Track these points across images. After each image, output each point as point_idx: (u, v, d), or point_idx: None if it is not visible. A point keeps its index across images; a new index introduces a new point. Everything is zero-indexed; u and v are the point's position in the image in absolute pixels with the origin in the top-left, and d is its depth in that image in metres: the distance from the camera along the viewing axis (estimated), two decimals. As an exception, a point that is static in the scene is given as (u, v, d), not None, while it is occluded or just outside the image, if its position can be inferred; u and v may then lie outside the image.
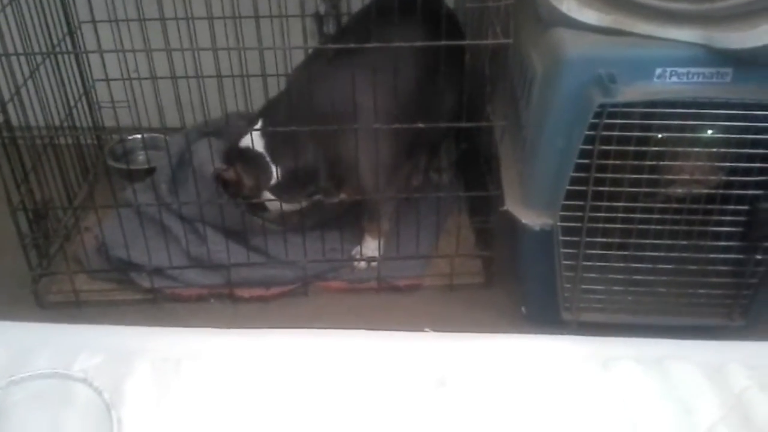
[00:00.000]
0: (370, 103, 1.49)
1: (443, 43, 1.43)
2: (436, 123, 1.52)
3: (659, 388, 0.85)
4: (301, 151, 1.57)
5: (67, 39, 1.85)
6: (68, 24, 1.85)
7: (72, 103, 1.87)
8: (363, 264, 1.71)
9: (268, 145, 1.59)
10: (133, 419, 0.81)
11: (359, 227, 1.74)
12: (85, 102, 1.96)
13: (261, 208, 1.65)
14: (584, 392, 0.86)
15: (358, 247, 1.73)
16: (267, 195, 1.62)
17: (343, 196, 1.66)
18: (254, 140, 1.57)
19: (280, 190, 1.61)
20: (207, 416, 0.83)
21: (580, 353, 0.91)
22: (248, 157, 1.60)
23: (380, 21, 1.57)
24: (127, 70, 1.82)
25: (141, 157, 2.03)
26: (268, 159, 1.59)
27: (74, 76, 1.89)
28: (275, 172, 1.59)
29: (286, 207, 1.64)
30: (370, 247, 1.72)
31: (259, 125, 1.59)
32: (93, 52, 1.82)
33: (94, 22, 1.86)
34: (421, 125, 1.49)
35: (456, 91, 1.63)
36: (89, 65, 1.95)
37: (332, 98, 1.53)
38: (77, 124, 1.91)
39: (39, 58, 1.68)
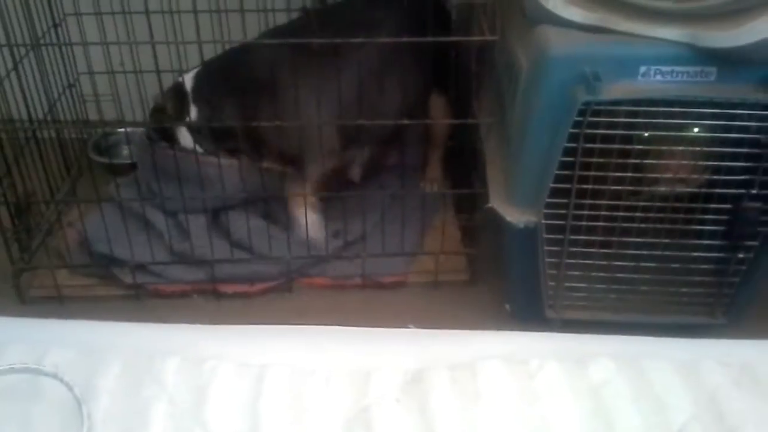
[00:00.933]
0: (297, 84, 1.53)
1: (430, 39, 1.42)
2: (380, 120, 1.55)
3: (633, 385, 0.85)
4: (222, 105, 1.64)
5: (52, 31, 1.84)
6: (53, 16, 1.83)
7: (56, 96, 1.85)
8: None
9: (195, 87, 1.67)
10: (104, 415, 0.80)
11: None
12: (69, 95, 1.94)
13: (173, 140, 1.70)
14: (558, 389, 0.86)
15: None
16: (184, 132, 1.68)
17: (267, 164, 1.69)
18: (186, 80, 1.67)
19: (196, 133, 1.67)
20: (179, 413, 0.83)
21: (555, 350, 0.90)
22: (177, 91, 1.67)
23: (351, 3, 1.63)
24: (111, 64, 1.81)
25: (125, 151, 2.01)
26: (189, 98, 1.67)
27: (58, 69, 1.87)
28: (193, 112, 1.66)
29: (200, 151, 1.68)
30: (298, 222, 1.65)
31: (196, 69, 1.68)
32: (77, 44, 1.80)
33: (78, 14, 1.84)
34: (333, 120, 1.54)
35: (408, 87, 1.65)
36: (74, 58, 1.94)
37: (265, 67, 1.58)
38: (61, 117, 1.89)
39: (23, 50, 1.66)
